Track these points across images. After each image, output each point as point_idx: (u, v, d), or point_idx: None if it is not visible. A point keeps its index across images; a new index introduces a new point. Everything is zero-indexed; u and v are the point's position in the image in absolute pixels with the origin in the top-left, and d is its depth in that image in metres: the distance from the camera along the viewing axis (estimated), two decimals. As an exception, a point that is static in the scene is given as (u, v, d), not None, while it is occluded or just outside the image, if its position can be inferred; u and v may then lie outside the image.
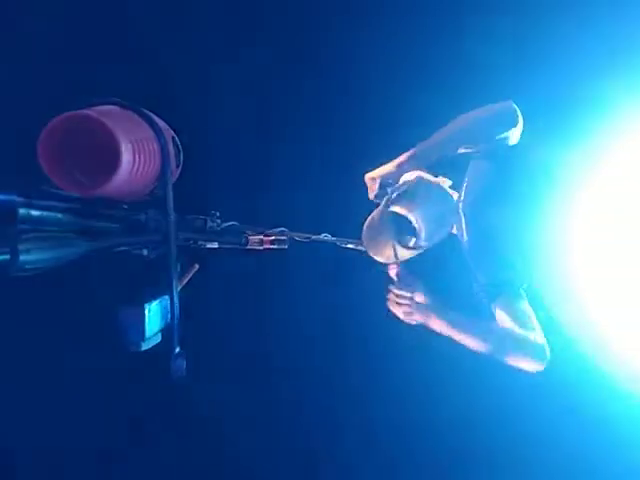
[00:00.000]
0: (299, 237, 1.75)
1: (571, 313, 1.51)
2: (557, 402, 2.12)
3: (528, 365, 1.45)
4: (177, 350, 1.38)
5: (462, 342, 1.48)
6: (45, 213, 1.04)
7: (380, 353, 2.35)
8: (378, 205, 1.60)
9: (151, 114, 1.29)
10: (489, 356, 1.47)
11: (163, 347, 1.38)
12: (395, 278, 1.57)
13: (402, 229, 1.47)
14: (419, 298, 1.52)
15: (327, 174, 2.33)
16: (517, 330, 1.46)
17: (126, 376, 2.14)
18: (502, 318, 1.52)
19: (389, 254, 1.51)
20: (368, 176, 1.64)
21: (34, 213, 1.01)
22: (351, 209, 1.69)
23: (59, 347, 2.22)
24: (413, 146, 1.60)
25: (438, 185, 1.51)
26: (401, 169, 1.58)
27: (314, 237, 1.74)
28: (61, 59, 2.13)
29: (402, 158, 1.60)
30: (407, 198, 1.47)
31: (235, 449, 2.52)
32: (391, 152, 1.64)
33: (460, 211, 1.63)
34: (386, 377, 2.37)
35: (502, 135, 1.54)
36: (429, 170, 1.63)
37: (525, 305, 1.53)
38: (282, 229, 1.75)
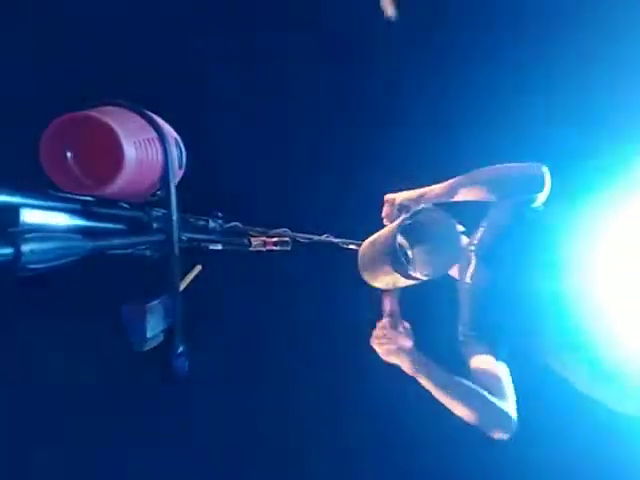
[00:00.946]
0: (301, 238, 1.75)
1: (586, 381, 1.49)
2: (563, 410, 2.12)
3: (493, 433, 1.45)
4: (179, 350, 1.38)
5: (434, 395, 1.48)
6: (48, 213, 1.04)
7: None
8: (384, 226, 1.58)
9: (153, 115, 1.29)
10: (459, 415, 1.46)
11: (165, 347, 1.38)
12: (387, 314, 1.54)
13: (403, 257, 1.44)
14: (404, 343, 1.50)
15: (330, 175, 2.33)
16: (488, 395, 1.45)
17: (127, 376, 2.14)
18: (477, 374, 1.51)
19: (385, 280, 1.48)
20: (388, 197, 1.63)
21: (37, 213, 1.01)
22: (354, 210, 1.69)
23: (61, 347, 2.22)
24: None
25: (453, 224, 1.46)
26: (423, 200, 1.58)
27: (316, 238, 1.74)
28: (63, 59, 2.13)
29: (426, 190, 1.59)
30: (417, 230, 1.44)
31: (235, 449, 2.52)
32: (393, 154, 1.64)
33: (471, 254, 1.61)
34: (388, 377, 2.37)
35: (528, 196, 1.55)
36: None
37: (504, 370, 1.53)
38: (284, 230, 1.75)
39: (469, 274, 1.60)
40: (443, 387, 1.45)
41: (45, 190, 1.10)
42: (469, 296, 1.61)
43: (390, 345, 1.49)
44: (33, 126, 1.15)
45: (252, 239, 1.70)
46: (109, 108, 1.22)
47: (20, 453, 2.27)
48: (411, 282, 1.41)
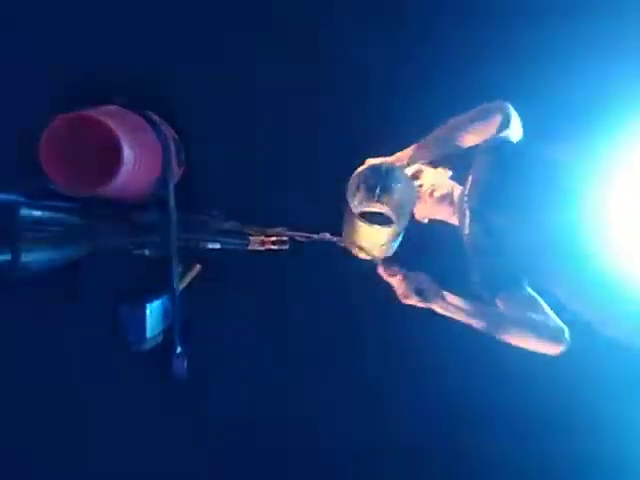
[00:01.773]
0: (299, 236, 1.75)
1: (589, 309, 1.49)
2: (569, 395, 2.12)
3: (550, 348, 1.43)
4: (178, 350, 1.39)
5: (480, 329, 1.44)
6: (47, 213, 1.05)
7: (381, 351, 2.35)
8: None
9: (153, 115, 1.29)
10: (505, 342, 1.44)
11: (164, 347, 1.38)
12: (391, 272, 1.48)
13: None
14: (423, 279, 1.45)
15: (328, 173, 2.33)
16: (531, 313, 1.44)
17: (127, 375, 2.14)
18: (509, 307, 1.49)
19: (363, 236, 1.43)
20: (370, 162, 1.61)
21: (36, 213, 1.02)
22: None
23: (60, 347, 2.22)
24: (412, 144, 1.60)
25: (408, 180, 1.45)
26: (401, 163, 1.59)
27: (314, 236, 1.74)
28: (63, 59, 2.13)
29: (402, 154, 1.60)
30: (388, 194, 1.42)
31: (234, 449, 2.52)
32: (392, 151, 1.63)
33: (465, 206, 1.61)
34: (390, 373, 2.37)
35: (498, 136, 1.54)
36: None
37: (531, 293, 1.51)
38: (282, 229, 1.76)
39: (466, 225, 1.60)
40: (488, 320, 1.43)
41: (45, 190, 1.10)
42: (471, 247, 1.60)
43: (428, 291, 1.42)
44: (33, 126, 1.15)
45: (250, 238, 1.71)
46: (109, 108, 1.23)
47: (20, 453, 2.27)
48: (389, 231, 1.37)
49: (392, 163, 1.55)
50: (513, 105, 1.57)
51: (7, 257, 0.89)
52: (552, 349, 1.42)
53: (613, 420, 2.10)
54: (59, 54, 2.11)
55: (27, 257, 0.93)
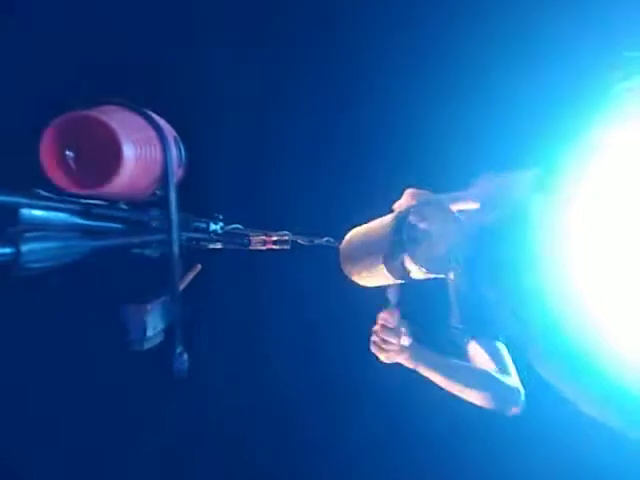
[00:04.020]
0: (302, 240, 1.75)
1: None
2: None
3: (505, 409, 1.45)
4: (179, 350, 1.38)
5: (440, 383, 1.48)
6: (47, 213, 1.05)
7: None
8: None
9: (153, 114, 1.29)
10: (467, 400, 1.47)
11: (165, 346, 1.38)
12: (385, 321, 1.51)
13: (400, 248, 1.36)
14: (405, 342, 1.50)
15: (330, 177, 2.33)
16: (493, 373, 1.46)
17: (128, 375, 2.14)
18: (476, 359, 1.52)
19: (375, 274, 1.41)
20: (411, 192, 1.56)
21: (36, 213, 1.01)
22: (353, 212, 1.69)
23: (61, 347, 2.22)
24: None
25: (454, 217, 1.40)
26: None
27: (316, 240, 1.74)
28: (63, 59, 2.13)
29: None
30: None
31: (234, 449, 2.52)
32: (395, 154, 1.63)
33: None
34: (387, 377, 2.37)
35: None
36: None
37: (501, 348, 1.54)
38: (284, 232, 1.76)
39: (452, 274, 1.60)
40: (447, 374, 1.46)
41: (45, 190, 1.10)
42: (454, 292, 1.62)
43: (389, 350, 1.49)
44: (33, 126, 1.15)
45: (252, 238, 1.71)
46: (109, 108, 1.22)
47: (20, 453, 2.27)
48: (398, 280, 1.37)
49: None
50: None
51: (7, 257, 0.89)
52: (506, 410, 1.43)
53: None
54: (59, 54, 2.11)
55: (27, 257, 0.93)
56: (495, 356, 1.51)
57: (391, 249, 1.31)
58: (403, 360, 1.50)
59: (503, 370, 1.48)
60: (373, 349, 1.54)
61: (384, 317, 1.50)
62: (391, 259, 1.31)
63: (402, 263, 1.29)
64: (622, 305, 1.43)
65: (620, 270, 1.43)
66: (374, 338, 1.52)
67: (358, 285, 1.52)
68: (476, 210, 1.51)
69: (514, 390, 1.46)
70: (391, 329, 1.48)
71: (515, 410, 1.45)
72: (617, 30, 2.10)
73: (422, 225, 1.30)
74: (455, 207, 1.50)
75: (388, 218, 1.39)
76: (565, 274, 1.45)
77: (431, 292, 1.70)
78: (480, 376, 1.47)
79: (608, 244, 1.43)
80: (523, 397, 1.46)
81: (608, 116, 1.48)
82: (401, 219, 1.30)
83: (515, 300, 1.50)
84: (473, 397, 1.45)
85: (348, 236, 1.53)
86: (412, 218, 1.29)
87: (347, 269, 1.51)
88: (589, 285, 1.43)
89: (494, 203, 1.54)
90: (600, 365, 1.41)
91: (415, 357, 1.48)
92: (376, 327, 1.52)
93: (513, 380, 1.48)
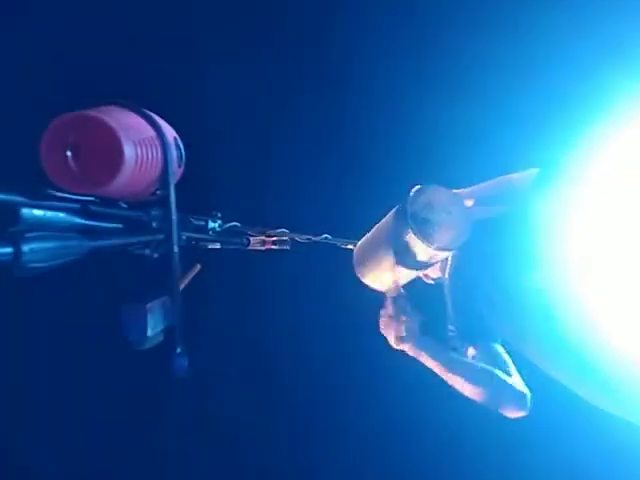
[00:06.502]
0: (300, 238, 1.75)
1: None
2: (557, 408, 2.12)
3: (508, 411, 1.45)
4: (179, 350, 1.38)
5: (443, 377, 1.48)
6: (47, 213, 1.05)
7: (380, 354, 2.35)
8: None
9: (153, 114, 1.29)
10: (475, 401, 1.46)
11: (165, 346, 1.38)
12: (390, 299, 1.52)
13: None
14: (401, 333, 1.50)
15: (329, 175, 2.33)
16: (498, 372, 1.46)
17: (128, 375, 2.14)
18: (478, 360, 1.52)
19: (384, 272, 1.44)
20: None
21: (36, 213, 1.01)
22: (351, 210, 1.69)
23: (61, 346, 2.22)
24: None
25: (459, 198, 1.42)
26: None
27: (315, 238, 1.74)
28: (63, 59, 2.13)
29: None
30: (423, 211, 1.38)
31: (234, 449, 2.52)
32: (394, 154, 1.64)
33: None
34: (387, 378, 2.37)
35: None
36: None
37: (501, 351, 1.53)
38: (283, 230, 1.76)
39: (447, 270, 1.60)
40: (451, 368, 1.46)
41: (45, 190, 1.10)
42: (448, 293, 1.61)
43: (390, 336, 1.51)
44: (33, 126, 1.15)
45: (251, 238, 1.71)
46: (109, 108, 1.22)
47: (20, 453, 2.27)
48: (410, 275, 1.40)
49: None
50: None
51: (7, 257, 0.89)
52: (510, 412, 1.43)
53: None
54: (60, 54, 2.11)
55: (27, 257, 0.93)
56: (496, 357, 1.51)
57: (396, 228, 1.35)
58: (406, 348, 1.51)
59: (505, 372, 1.48)
60: (381, 329, 1.56)
61: (386, 304, 1.52)
62: (396, 238, 1.34)
63: (407, 244, 1.32)
64: (622, 305, 1.43)
65: (620, 270, 1.43)
66: (382, 318, 1.55)
67: (369, 288, 1.54)
68: (474, 207, 1.51)
69: (520, 392, 1.45)
70: (390, 316, 1.50)
71: (520, 413, 1.44)
72: (617, 30, 2.10)
73: (424, 200, 1.34)
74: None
75: (393, 210, 1.43)
76: (565, 274, 1.44)
77: (431, 299, 1.71)
78: (485, 372, 1.46)
79: (608, 244, 1.43)
80: (529, 401, 1.44)
81: (609, 116, 1.48)
82: (404, 199, 1.34)
83: (514, 299, 1.49)
84: (475, 393, 1.44)
85: (359, 241, 1.56)
86: (414, 195, 1.34)
87: (359, 270, 1.54)
88: (589, 284, 1.43)
89: (494, 202, 1.55)
90: (600, 360, 1.41)
91: (418, 344, 1.48)
92: (383, 310, 1.54)
93: (517, 382, 1.46)
